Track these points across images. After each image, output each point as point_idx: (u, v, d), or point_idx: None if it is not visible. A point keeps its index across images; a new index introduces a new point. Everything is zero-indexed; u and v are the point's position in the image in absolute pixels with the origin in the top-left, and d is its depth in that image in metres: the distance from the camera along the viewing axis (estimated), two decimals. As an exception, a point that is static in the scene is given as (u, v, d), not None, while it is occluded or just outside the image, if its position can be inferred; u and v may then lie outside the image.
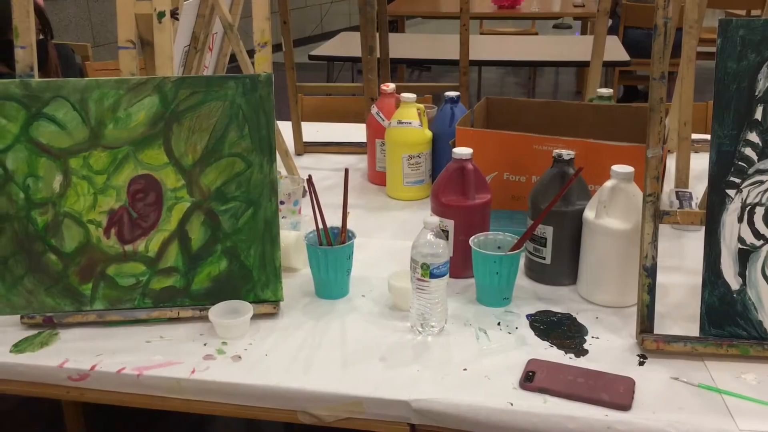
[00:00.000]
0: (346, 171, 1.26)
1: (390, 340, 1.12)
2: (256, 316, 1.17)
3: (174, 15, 1.24)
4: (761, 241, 1.07)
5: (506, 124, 1.72)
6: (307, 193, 1.29)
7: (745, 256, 1.08)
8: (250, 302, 1.17)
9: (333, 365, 1.06)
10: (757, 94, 1.06)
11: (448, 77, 6.65)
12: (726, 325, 1.09)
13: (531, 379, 1.01)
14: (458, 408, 0.97)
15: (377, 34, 1.86)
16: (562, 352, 1.09)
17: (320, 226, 1.24)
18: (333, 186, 1.82)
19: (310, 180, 1.28)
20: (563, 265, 1.28)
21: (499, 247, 1.25)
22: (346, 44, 4.54)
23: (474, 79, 6.66)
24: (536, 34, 6.18)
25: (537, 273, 1.31)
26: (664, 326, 1.16)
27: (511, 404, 0.97)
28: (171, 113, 1.16)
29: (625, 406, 0.96)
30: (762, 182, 1.07)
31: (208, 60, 1.82)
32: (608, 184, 1.20)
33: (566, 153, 1.26)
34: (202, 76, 1.23)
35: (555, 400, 0.98)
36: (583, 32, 6.11)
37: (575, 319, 1.18)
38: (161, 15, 1.20)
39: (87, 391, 1.05)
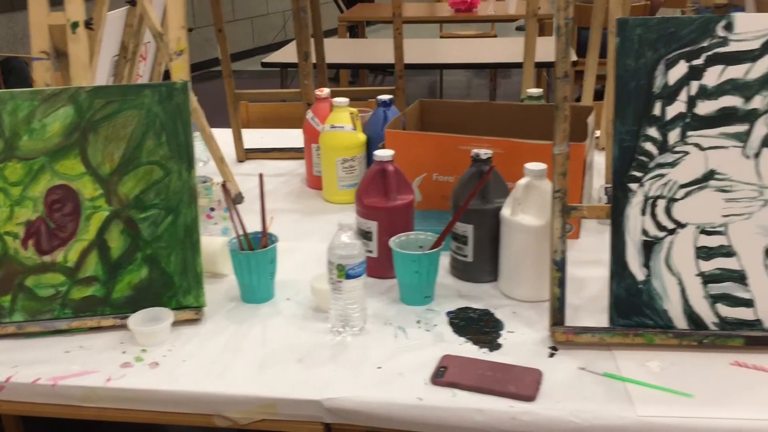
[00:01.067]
0: (260, 176, 1.27)
1: (310, 341, 1.14)
2: (179, 323, 1.18)
3: (88, 25, 1.25)
4: (664, 233, 1.10)
5: (440, 126, 1.75)
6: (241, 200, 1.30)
7: (649, 247, 1.11)
8: (172, 309, 1.18)
9: (250, 368, 1.07)
10: (654, 90, 1.09)
11: (412, 81, 6.70)
12: (633, 315, 1.12)
13: (442, 374, 1.03)
14: (369, 405, 0.99)
15: (312, 40, 1.88)
16: (477, 347, 1.11)
17: (240, 231, 1.25)
18: (271, 192, 1.84)
19: (261, 178, 1.29)
20: (484, 262, 1.30)
21: (420, 247, 1.27)
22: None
23: (435, 82, 6.72)
24: (495, 36, 6.25)
25: (460, 271, 1.33)
26: (578, 318, 1.19)
27: (421, 399, 0.99)
28: (87, 123, 1.16)
29: (530, 397, 0.98)
30: (662, 175, 1.10)
31: (142, 69, 1.83)
32: (522, 181, 1.23)
33: (483, 152, 1.29)
34: (117, 85, 1.24)
35: (464, 394, 1.00)
36: (541, 34, 6.18)
37: (493, 314, 1.21)
38: (75, 25, 1.20)
39: (2, 402, 1.05)
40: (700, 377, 1.03)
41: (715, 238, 1.09)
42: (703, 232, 1.10)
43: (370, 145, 1.72)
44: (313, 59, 1.92)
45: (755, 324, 1.09)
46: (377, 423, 0.99)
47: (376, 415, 0.99)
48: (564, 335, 1.11)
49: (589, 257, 1.39)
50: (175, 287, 1.19)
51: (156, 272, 1.19)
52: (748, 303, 1.09)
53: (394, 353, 1.10)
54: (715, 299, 1.10)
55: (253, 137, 2.24)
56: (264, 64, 3.63)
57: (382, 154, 1.32)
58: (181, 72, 1.17)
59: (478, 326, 1.17)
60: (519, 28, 8.65)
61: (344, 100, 1.70)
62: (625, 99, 1.10)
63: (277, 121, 2.46)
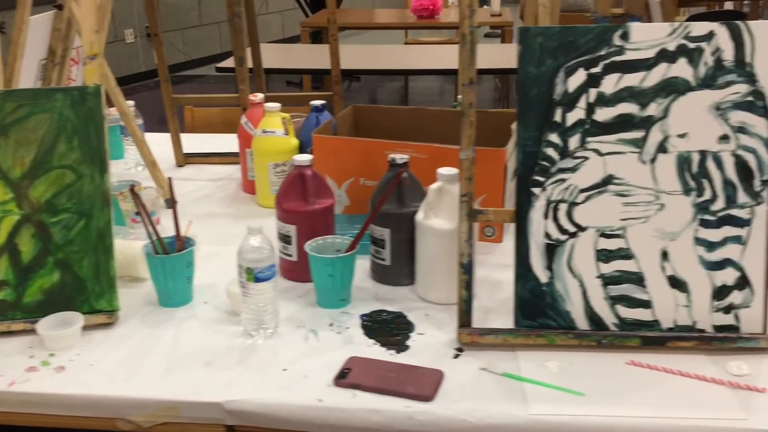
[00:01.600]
0: (170, 179, 1.29)
1: (220, 344, 1.15)
2: (92, 327, 1.18)
3: (1, 29, 1.25)
4: (565, 236, 1.13)
5: (374, 131, 1.77)
6: (171, 204, 1.31)
7: (551, 250, 1.13)
8: (85, 313, 1.18)
9: (156, 372, 1.08)
10: (555, 97, 1.12)
11: (382, 88, 6.73)
12: (537, 316, 1.14)
13: (345, 376, 1.05)
14: (269, 407, 1.00)
15: (247, 45, 1.89)
16: (385, 349, 1.13)
17: (153, 236, 1.26)
18: (206, 196, 1.85)
19: (170, 182, 1.30)
20: (402, 265, 1.32)
21: (337, 250, 1.28)
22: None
23: (399, 88, 6.75)
24: (458, 43, 6.30)
25: (379, 274, 1.35)
26: (490, 320, 1.21)
27: (321, 401, 1.00)
28: (-3, 128, 1.16)
29: (427, 397, 1.00)
30: (564, 180, 1.13)
31: (74, 73, 1.82)
32: (434, 186, 1.25)
33: (399, 157, 1.31)
34: (28, 89, 1.24)
35: (364, 395, 1.02)
36: (503, 41, 6.25)
37: (406, 317, 1.23)
38: (-13, 30, 1.21)
39: None
40: (596, 376, 1.05)
41: (614, 241, 1.12)
42: (603, 235, 1.12)
43: (303, 150, 1.73)
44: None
45: (653, 324, 1.12)
46: (277, 424, 1.01)
47: (276, 416, 1.00)
48: (469, 337, 1.13)
49: (510, 261, 1.41)
50: (87, 291, 1.20)
51: (68, 276, 1.19)
52: (646, 304, 1.12)
53: (302, 356, 1.12)
54: (614, 300, 1.13)
55: (197, 142, 2.24)
56: (218, 69, 3.63)
57: (301, 158, 1.33)
58: (93, 76, 1.18)
59: (389, 328, 1.19)
60: (487, 35, 8.73)
61: (276, 105, 1.71)
62: (527, 105, 1.12)
63: (222, 125, 2.46)
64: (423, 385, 1.02)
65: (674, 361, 1.08)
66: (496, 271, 1.37)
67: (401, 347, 1.14)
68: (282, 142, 1.70)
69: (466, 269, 1.15)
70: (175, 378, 1.06)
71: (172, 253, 1.25)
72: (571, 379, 1.05)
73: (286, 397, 1.02)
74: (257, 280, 1.13)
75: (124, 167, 2.06)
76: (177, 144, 2.05)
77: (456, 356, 1.11)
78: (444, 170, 1.24)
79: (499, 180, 1.46)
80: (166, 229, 1.53)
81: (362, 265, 1.39)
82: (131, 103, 2.07)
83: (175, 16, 7.60)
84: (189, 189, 1.89)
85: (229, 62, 3.77)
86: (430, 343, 1.15)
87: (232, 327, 1.20)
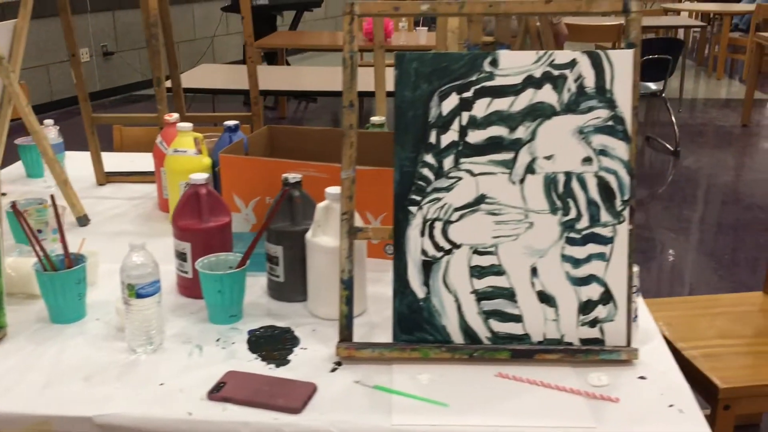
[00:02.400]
0: (52, 197, 1.31)
1: (103, 360, 1.17)
2: (-23, 344, 1.19)
3: None
4: (441, 253, 1.18)
5: (289, 152, 1.80)
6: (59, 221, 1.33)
7: (428, 266, 1.18)
8: (-29, 329, 1.19)
9: (34, 388, 1.09)
10: (430, 120, 1.17)
11: (341, 109, 6.78)
12: (415, 331, 1.18)
13: (218, 389, 1.07)
14: (139, 421, 1.03)
15: (163, 66, 1.92)
16: (265, 363, 1.16)
17: (40, 253, 1.27)
18: (122, 214, 1.86)
19: (52, 199, 1.32)
20: (295, 282, 1.35)
21: (230, 267, 1.31)
22: (207, 76, 4.59)
23: (366, 109, 6.81)
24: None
25: (274, 291, 1.38)
26: (375, 335, 1.24)
27: (191, 414, 1.03)
28: None
29: (296, 410, 1.03)
30: (439, 199, 1.17)
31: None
32: (322, 204, 1.29)
33: (292, 176, 1.35)
34: None
35: (235, 408, 1.04)
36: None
37: (293, 332, 1.26)
38: None
39: None
40: (464, 388, 1.09)
41: (486, 258, 1.17)
42: (476, 252, 1.17)
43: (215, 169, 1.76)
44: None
45: (524, 338, 1.17)
46: (148, 438, 1.03)
47: (145, 430, 1.02)
48: (347, 351, 1.16)
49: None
50: (-26, 308, 1.21)
51: (-46, 293, 1.20)
52: (517, 318, 1.17)
53: (182, 371, 1.14)
54: (487, 315, 1.17)
55: (124, 161, 2.26)
56: (168, 89, 3.65)
57: (196, 177, 1.36)
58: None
59: (274, 344, 1.22)
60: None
61: (188, 125, 1.74)
62: (404, 127, 1.17)
63: (149, 145, 2.47)
64: (293, 397, 1.05)
65: (541, 373, 1.13)
66: (390, 288, 1.41)
67: (282, 362, 1.17)
68: (193, 161, 1.73)
69: (347, 285, 1.19)
70: (52, 393, 1.08)
71: (62, 269, 1.27)
72: (439, 391, 1.08)
73: (158, 411, 1.04)
74: (139, 296, 1.15)
75: (43, 185, 2.07)
76: (97, 163, 2.06)
77: (333, 370, 1.14)
78: (331, 189, 1.28)
79: (390, 199, 1.50)
80: (74, 247, 1.55)
81: (261, 282, 1.42)
82: (50, 122, 2.09)
83: (132, 35, 7.58)
84: (105, 207, 1.90)
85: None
86: (312, 357, 1.18)
87: (118, 343, 1.22)
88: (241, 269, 1.27)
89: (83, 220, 1.77)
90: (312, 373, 1.13)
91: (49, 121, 2.06)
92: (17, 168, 2.20)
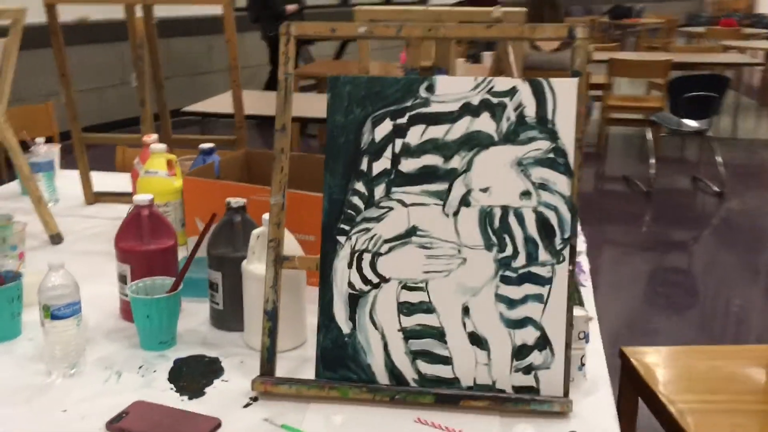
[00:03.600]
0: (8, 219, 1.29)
1: (18, 382, 1.13)
2: None
3: None
4: (369, 287, 1.11)
5: (265, 176, 1.76)
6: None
7: (354, 300, 1.11)
8: None
9: (-62, 406, 1.07)
10: (362, 146, 1.11)
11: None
12: (339, 368, 1.12)
13: (119, 419, 1.02)
14: (29, 447, 0.99)
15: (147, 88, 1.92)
16: (178, 395, 1.11)
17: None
18: (99, 234, 1.85)
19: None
20: (235, 310, 1.30)
21: (167, 292, 1.27)
22: (224, 102, 4.65)
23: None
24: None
25: (215, 319, 1.33)
26: (306, 370, 1.18)
27: (80, 443, 0.98)
28: None
29: (190, 446, 0.98)
30: (368, 229, 1.11)
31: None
32: (256, 231, 1.24)
33: (235, 201, 1.30)
34: None
35: (129, 440, 0.99)
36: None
37: (220, 362, 1.20)
38: None
39: None
40: (379, 433, 1.02)
41: (416, 294, 1.10)
42: (405, 287, 1.10)
43: (188, 192, 1.74)
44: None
45: (453, 382, 1.09)
46: (38, 466, 0.99)
47: (34, 457, 0.98)
48: (262, 386, 1.10)
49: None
50: None
51: None
52: (447, 360, 1.09)
53: (92, 397, 1.10)
54: (415, 355, 1.10)
55: (121, 181, 2.26)
56: (183, 113, 3.70)
57: (140, 198, 1.33)
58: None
59: (195, 374, 1.17)
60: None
61: (161, 146, 1.72)
62: (335, 153, 1.12)
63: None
64: (191, 432, 1.00)
65: (465, 421, 1.04)
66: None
67: (197, 394, 1.11)
68: (164, 182, 1.71)
69: (270, 316, 1.13)
70: (-47, 414, 1.05)
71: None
72: (350, 435, 1.01)
73: (51, 438, 1.00)
74: (54, 317, 1.12)
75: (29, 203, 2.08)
76: (86, 182, 2.07)
77: (247, 405, 1.08)
78: (267, 215, 1.23)
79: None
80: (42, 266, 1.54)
81: (207, 308, 1.37)
82: (41, 140, 2.11)
83: (184, 61, 7.74)
84: (85, 226, 1.90)
85: (194, 107, 3.84)
86: (230, 390, 1.12)
87: (41, 365, 1.19)
88: (172, 294, 1.23)
89: (56, 239, 1.76)
90: (224, 407, 1.08)
91: (40, 139, 2.08)
92: (15, 185, 2.23)
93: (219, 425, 1.03)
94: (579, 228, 1.86)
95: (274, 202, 1.14)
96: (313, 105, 4.29)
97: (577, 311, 1.14)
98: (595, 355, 1.23)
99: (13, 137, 1.75)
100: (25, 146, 2.10)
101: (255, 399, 1.10)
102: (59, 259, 1.15)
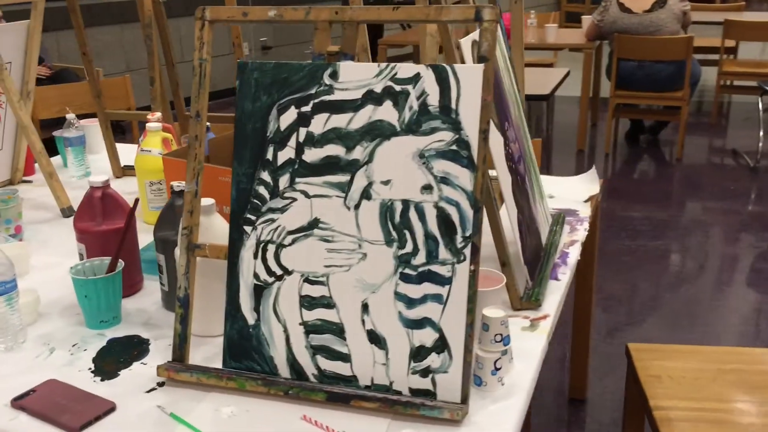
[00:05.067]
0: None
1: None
2: None
3: None
4: (273, 278, 1.09)
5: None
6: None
7: (259, 291, 1.10)
8: None
9: None
10: (268, 134, 1.09)
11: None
12: (244, 358, 1.11)
13: (23, 397, 1.07)
14: (-63, 418, 1.05)
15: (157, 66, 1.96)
16: (92, 375, 1.14)
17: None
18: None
19: None
20: (179, 292, 1.32)
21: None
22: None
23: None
24: (551, 66, 6.11)
25: (164, 300, 1.36)
26: (228, 357, 1.18)
27: (-22, 419, 1.04)
28: None
29: (73, 429, 1.00)
30: (273, 220, 1.09)
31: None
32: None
33: (177, 185, 1.31)
34: None
35: (25, 418, 1.03)
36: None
37: (148, 345, 1.23)
38: None
39: None
40: (262, 428, 1.01)
41: (317, 288, 1.07)
42: (307, 280, 1.08)
43: (183, 170, 1.77)
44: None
45: (351, 380, 1.06)
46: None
47: (-60, 428, 1.04)
48: (166, 372, 1.11)
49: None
50: None
51: None
52: (346, 357, 1.06)
53: (15, 373, 1.15)
54: (315, 350, 1.07)
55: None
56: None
57: (95, 179, 1.37)
58: None
59: (120, 355, 1.20)
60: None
61: (156, 124, 1.76)
62: (242, 141, 1.10)
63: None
64: (79, 415, 1.02)
65: (354, 421, 1.01)
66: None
67: (110, 376, 1.14)
68: (158, 161, 1.75)
69: (182, 303, 1.14)
70: None
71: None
72: (233, 429, 1.01)
73: (-41, 411, 1.05)
74: (-14, 295, 1.18)
75: (67, 175, 2.19)
76: (112, 156, 2.15)
77: (150, 390, 1.10)
78: (204, 201, 1.23)
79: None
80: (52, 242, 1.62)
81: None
82: (71, 115, 2.21)
83: (290, 31, 7.86)
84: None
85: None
86: (142, 374, 1.14)
87: (-14, 338, 1.25)
88: (108, 276, 1.26)
89: (66, 212, 1.85)
90: (129, 391, 1.10)
91: (71, 115, 2.18)
92: (57, 159, 2.35)
93: (112, 409, 1.05)
94: (589, 212, 1.75)
95: (188, 189, 1.14)
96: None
97: (492, 312, 1.07)
98: (528, 358, 1.16)
99: (27, 115, 1.85)
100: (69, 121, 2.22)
101: (162, 384, 1.12)
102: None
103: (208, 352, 1.20)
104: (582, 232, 1.65)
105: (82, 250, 1.37)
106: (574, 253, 1.54)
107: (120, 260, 1.29)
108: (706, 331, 2.74)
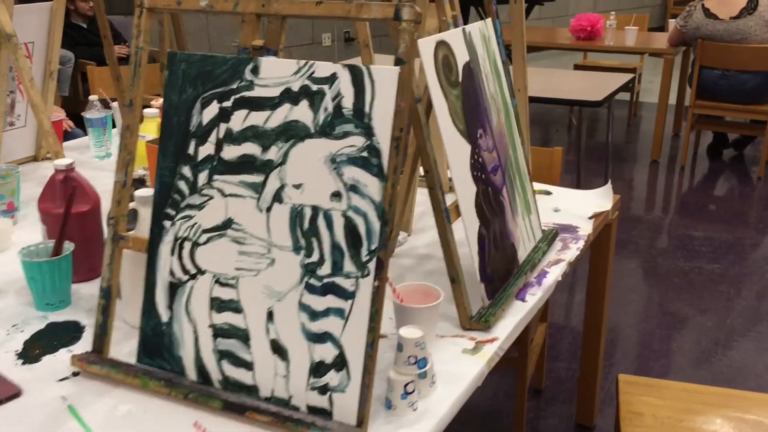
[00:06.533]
0: None
1: None
2: None
3: None
4: (187, 277, 1.06)
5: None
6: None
7: (174, 289, 1.07)
8: None
9: None
10: (191, 128, 1.05)
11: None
12: (156, 356, 1.08)
13: (-62, 374, 1.08)
14: None
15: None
16: (16, 358, 1.14)
17: None
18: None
19: None
20: (128, 282, 1.31)
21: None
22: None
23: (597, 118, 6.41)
24: (617, 70, 5.84)
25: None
26: (155, 352, 1.16)
27: None
28: None
29: (-31, 412, 1.00)
30: (191, 217, 1.06)
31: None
32: (131, 205, 1.22)
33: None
34: None
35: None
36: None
37: (82, 332, 1.22)
38: None
39: None
40: (154, 430, 0.98)
41: (227, 291, 1.03)
42: (219, 282, 1.04)
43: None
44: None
45: (252, 389, 1.01)
46: None
47: None
48: (79, 363, 1.10)
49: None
50: None
51: None
52: (249, 365, 1.02)
53: (-55, 349, 1.17)
54: (221, 355, 1.04)
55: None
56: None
57: (59, 162, 1.38)
58: None
59: (51, 339, 1.20)
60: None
61: (153, 111, 1.77)
62: (168, 134, 1.07)
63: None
64: (-20, 398, 1.03)
65: (244, 434, 0.97)
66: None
67: (32, 360, 1.14)
68: (152, 147, 1.75)
69: (104, 294, 1.12)
70: None
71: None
72: (122, 428, 0.98)
73: None
74: (-72, 270, 1.20)
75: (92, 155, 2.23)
76: (130, 140, 2.18)
77: (62, 379, 1.09)
78: (140, 192, 1.21)
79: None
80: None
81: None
82: (94, 97, 2.25)
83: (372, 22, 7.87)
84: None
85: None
86: (63, 361, 1.14)
87: (-63, 313, 1.28)
88: (52, 259, 1.26)
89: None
90: (43, 377, 1.09)
91: (93, 97, 2.22)
92: (87, 139, 2.41)
93: (17, 394, 1.04)
94: (590, 230, 1.63)
95: (117, 179, 1.12)
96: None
97: (408, 332, 1.00)
98: (456, 383, 1.08)
99: (37, 93, 1.89)
100: (105, 103, 2.27)
101: (77, 374, 1.10)
102: None
103: (137, 345, 1.18)
104: (573, 252, 1.54)
105: (44, 231, 1.38)
106: (555, 273, 1.44)
107: (70, 244, 1.29)
108: (733, 370, 2.54)
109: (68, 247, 1.29)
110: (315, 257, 0.97)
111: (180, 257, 1.06)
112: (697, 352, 2.61)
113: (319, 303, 0.97)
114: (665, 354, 2.59)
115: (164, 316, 1.07)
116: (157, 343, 1.08)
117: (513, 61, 1.62)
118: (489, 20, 1.45)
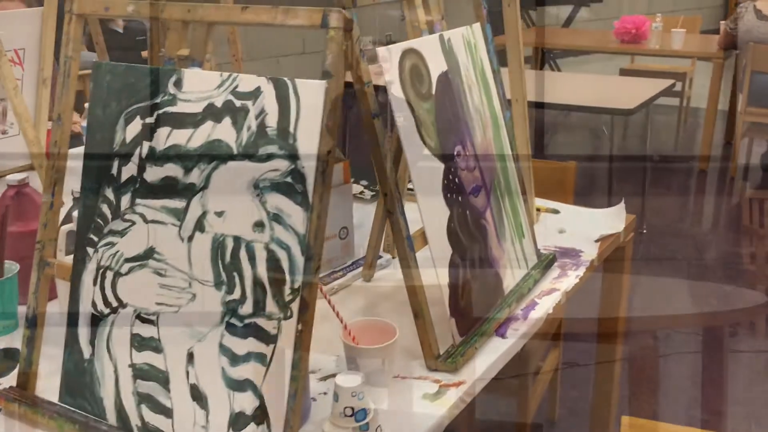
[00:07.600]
0: None
1: None
2: None
3: None
4: (108, 310, 0.96)
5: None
6: None
7: (96, 322, 0.97)
8: None
9: None
10: (114, 147, 0.95)
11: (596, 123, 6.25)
12: (78, 395, 0.99)
13: None
14: None
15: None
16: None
17: None
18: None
19: None
20: (76, 306, 1.23)
21: (12, 277, 1.23)
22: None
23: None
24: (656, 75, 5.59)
25: (67, 311, 1.27)
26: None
27: None
28: None
29: None
30: (113, 244, 0.96)
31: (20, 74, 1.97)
32: (66, 228, 1.14)
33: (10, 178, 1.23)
34: None
35: None
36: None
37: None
38: None
39: None
40: (55, 482, 0.88)
41: (147, 328, 0.93)
42: (139, 317, 0.94)
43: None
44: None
45: (170, 439, 0.91)
46: None
47: None
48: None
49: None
50: None
51: None
52: (168, 412, 0.91)
53: None
54: (141, 399, 0.93)
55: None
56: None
57: (11, 178, 1.30)
58: None
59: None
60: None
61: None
62: (90, 153, 0.97)
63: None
64: None
65: (155, 491, 0.86)
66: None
67: (-36, 390, 1.06)
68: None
69: (30, 324, 1.03)
70: None
71: None
72: (25, 477, 0.89)
73: None
74: None
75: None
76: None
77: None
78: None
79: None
80: None
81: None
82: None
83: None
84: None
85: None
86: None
87: None
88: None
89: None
90: (-36, 412, 1.01)
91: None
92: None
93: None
94: (595, 255, 1.48)
95: (44, 200, 1.03)
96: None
97: (344, 380, 0.88)
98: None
99: (22, 102, 1.83)
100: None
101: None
102: None
103: (72, 378, 1.09)
104: (571, 280, 1.39)
105: (-5, 250, 1.30)
106: (546, 305, 1.30)
107: (14, 264, 1.21)
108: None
109: (11, 268, 1.21)
110: (236, 294, 0.86)
111: (102, 288, 0.96)
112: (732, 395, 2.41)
113: (240, 346, 0.86)
114: (687, 390, 2.40)
115: (86, 352, 0.98)
116: (79, 381, 0.98)
117: (509, 69, 1.48)
118: (477, 25, 1.32)
